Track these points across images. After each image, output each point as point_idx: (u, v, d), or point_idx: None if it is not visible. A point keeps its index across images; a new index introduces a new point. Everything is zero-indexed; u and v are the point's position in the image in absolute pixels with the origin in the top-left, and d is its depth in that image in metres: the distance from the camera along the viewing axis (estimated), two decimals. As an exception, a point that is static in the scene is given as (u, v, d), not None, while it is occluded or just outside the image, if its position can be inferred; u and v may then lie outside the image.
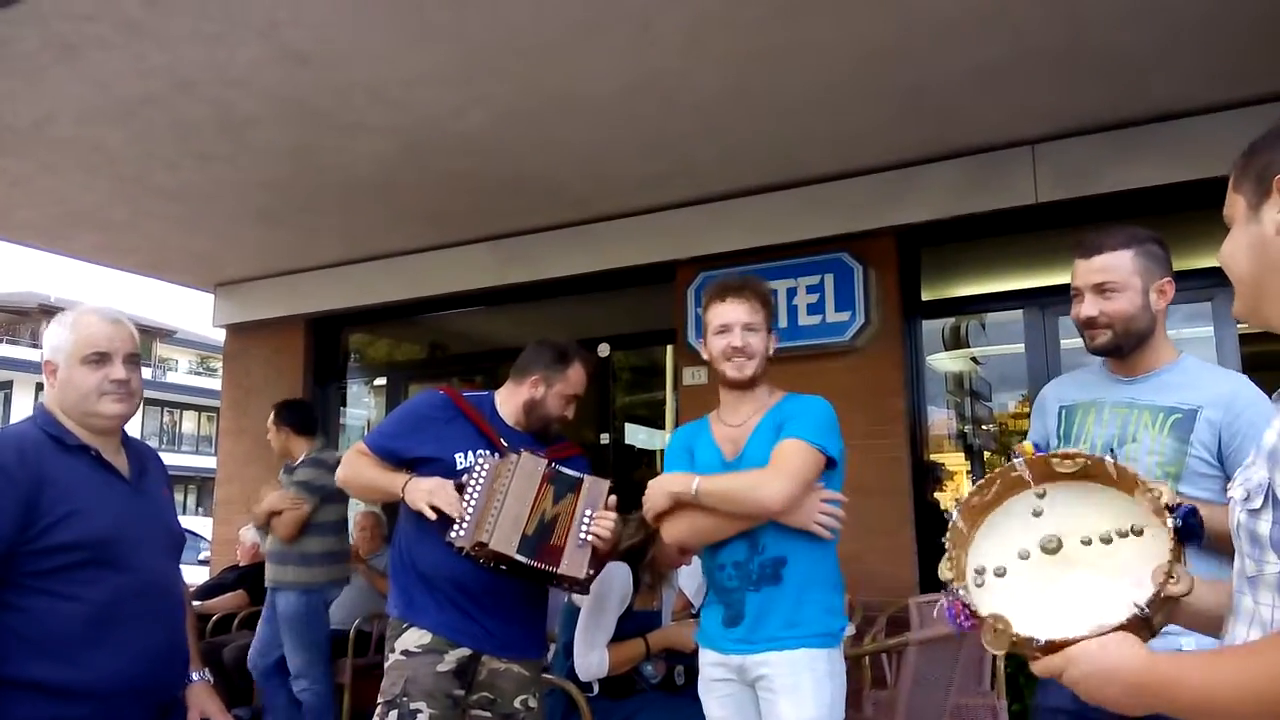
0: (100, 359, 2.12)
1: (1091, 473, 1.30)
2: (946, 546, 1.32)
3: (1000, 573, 1.28)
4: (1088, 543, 1.26)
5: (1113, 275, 2.15)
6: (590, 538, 2.60)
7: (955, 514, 1.34)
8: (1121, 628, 1.13)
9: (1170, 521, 1.18)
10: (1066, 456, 1.31)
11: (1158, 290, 2.15)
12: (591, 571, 2.64)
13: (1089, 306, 2.17)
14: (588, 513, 2.63)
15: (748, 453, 2.36)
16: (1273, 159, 1.16)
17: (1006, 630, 1.18)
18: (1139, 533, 1.23)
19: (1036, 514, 1.32)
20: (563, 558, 2.58)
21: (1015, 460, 1.34)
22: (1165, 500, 1.20)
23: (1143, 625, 1.15)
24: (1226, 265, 1.23)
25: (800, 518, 2.27)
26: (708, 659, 2.39)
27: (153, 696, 2.09)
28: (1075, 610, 1.18)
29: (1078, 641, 1.14)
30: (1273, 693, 0.96)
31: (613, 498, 2.68)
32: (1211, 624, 1.23)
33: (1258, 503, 1.06)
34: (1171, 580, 1.15)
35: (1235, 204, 1.22)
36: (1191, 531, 1.23)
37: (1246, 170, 1.20)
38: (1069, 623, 1.16)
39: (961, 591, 1.26)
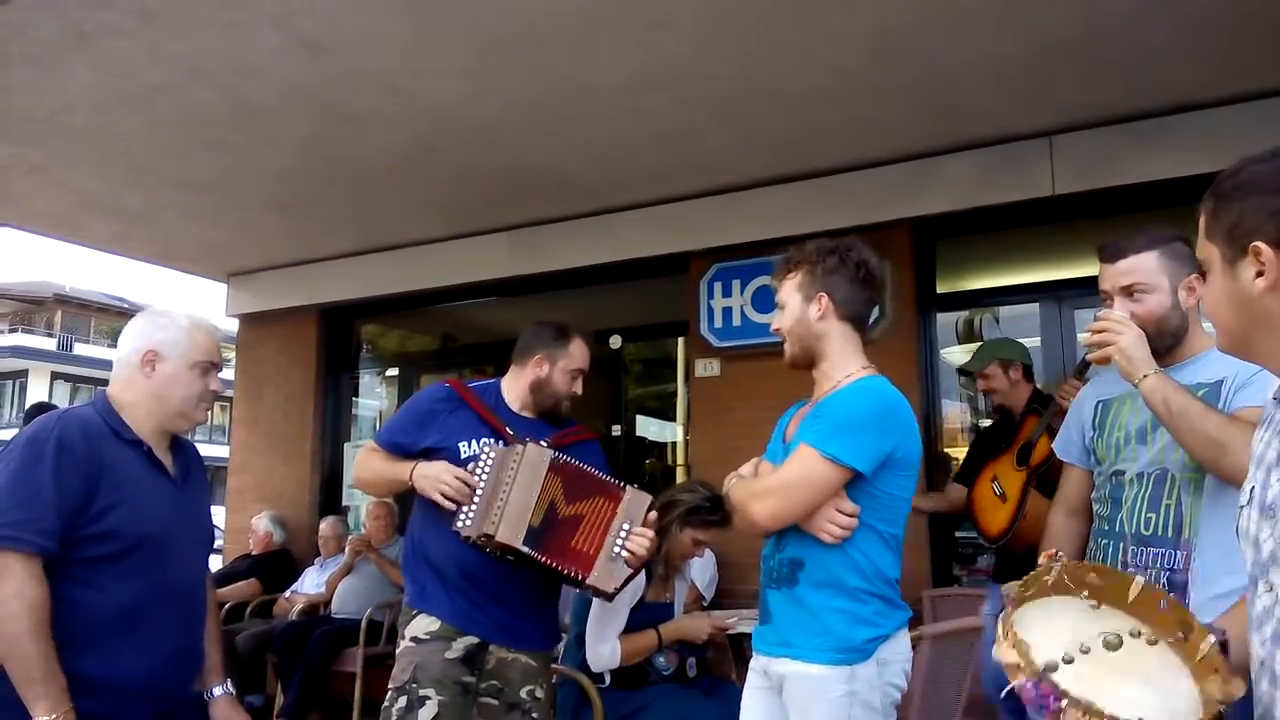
0: (209, 369, 2.21)
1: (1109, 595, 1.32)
2: (1004, 632, 1.33)
3: (1069, 660, 1.29)
4: (1136, 635, 1.28)
5: (1140, 277, 2.14)
6: (624, 554, 2.57)
7: (1011, 596, 1.37)
8: None
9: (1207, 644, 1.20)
10: (1095, 570, 1.35)
11: (1186, 288, 2.13)
12: (620, 586, 2.61)
13: (1119, 310, 2.15)
14: (625, 526, 2.59)
15: (794, 441, 2.17)
16: (1244, 215, 1.16)
17: (1100, 714, 1.18)
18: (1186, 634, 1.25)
19: (1095, 605, 1.34)
20: (594, 567, 2.55)
21: (1053, 565, 1.37)
22: (1207, 642, 1.22)
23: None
24: (1211, 315, 1.24)
25: (808, 523, 2.07)
26: (753, 654, 2.26)
27: (163, 699, 2.09)
28: (1139, 701, 1.19)
29: None
30: None
31: (652, 515, 2.64)
32: None
33: None
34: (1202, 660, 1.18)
35: (1208, 251, 1.22)
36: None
37: (1218, 219, 1.20)
38: (1146, 699, 1.19)
39: (1051, 675, 1.25)
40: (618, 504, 2.61)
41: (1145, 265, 2.14)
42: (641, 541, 2.58)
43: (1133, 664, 1.26)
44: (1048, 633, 1.30)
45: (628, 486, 2.65)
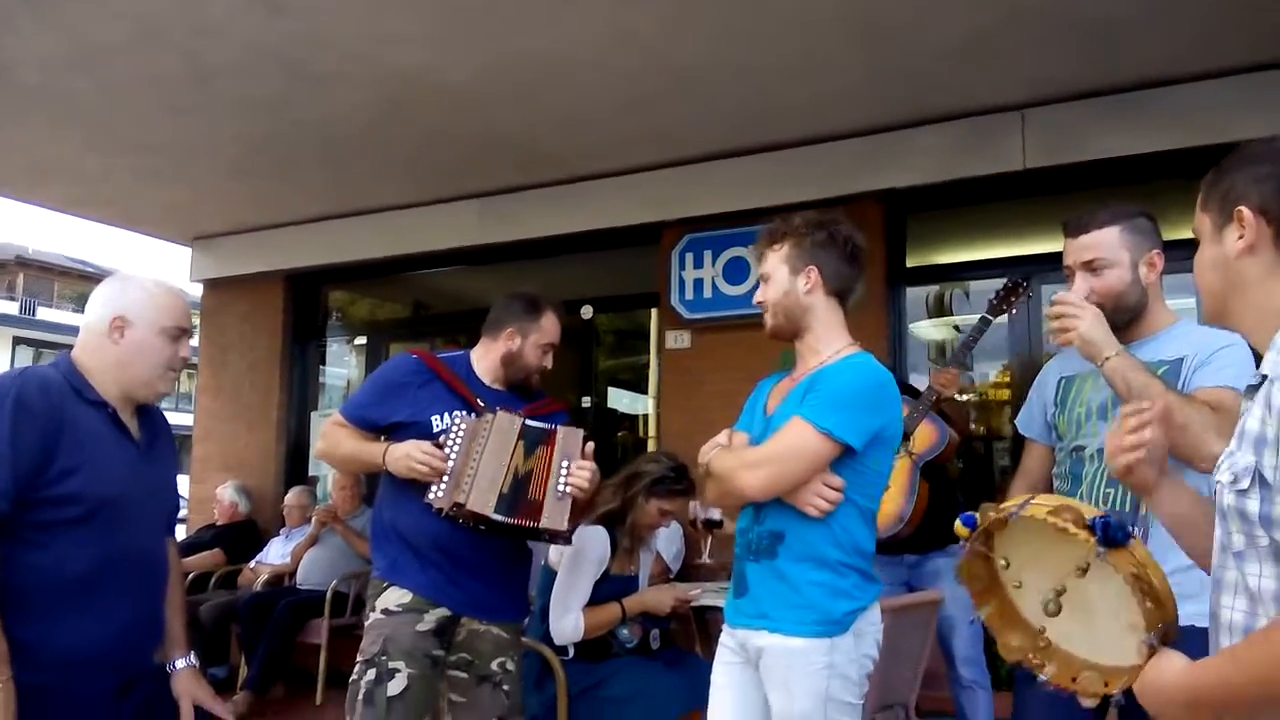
0: (178, 335, 2.14)
1: (1008, 522, 1.38)
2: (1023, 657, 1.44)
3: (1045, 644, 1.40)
4: (1062, 592, 1.35)
5: (1101, 252, 2.16)
6: (569, 489, 2.58)
7: (978, 611, 1.47)
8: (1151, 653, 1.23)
9: (1097, 550, 1.26)
10: (985, 513, 1.41)
11: (1147, 263, 2.15)
12: (573, 523, 2.62)
13: (1080, 284, 2.17)
14: (564, 464, 2.61)
15: (777, 415, 2.17)
16: (1235, 184, 1.28)
17: (1096, 676, 1.31)
18: (1083, 568, 1.31)
19: (1018, 585, 1.42)
20: (543, 512, 2.56)
21: (966, 545, 1.45)
22: (1077, 519, 1.28)
23: (1166, 638, 1.23)
24: (1198, 281, 1.35)
25: (794, 496, 2.07)
26: (725, 627, 2.26)
27: (120, 671, 2.04)
28: (1118, 625, 1.28)
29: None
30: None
31: (589, 445, 2.65)
32: (1189, 524, 1.40)
33: (1245, 484, 1.15)
34: (1146, 588, 1.23)
35: (1202, 221, 1.33)
36: (1118, 535, 1.26)
37: (1213, 191, 1.32)
38: (1124, 640, 1.27)
39: (1044, 676, 1.39)
40: (553, 445, 2.63)
41: (1106, 240, 2.16)
42: (581, 474, 2.60)
43: (1079, 605, 1.34)
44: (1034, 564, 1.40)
45: (559, 427, 2.67)
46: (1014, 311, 3.46)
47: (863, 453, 2.07)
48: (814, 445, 2.03)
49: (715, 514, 3.80)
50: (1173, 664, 1.19)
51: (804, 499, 2.05)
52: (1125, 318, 2.15)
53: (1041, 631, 1.41)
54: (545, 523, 2.56)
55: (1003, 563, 1.42)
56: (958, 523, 1.44)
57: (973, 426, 4.60)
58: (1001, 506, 1.38)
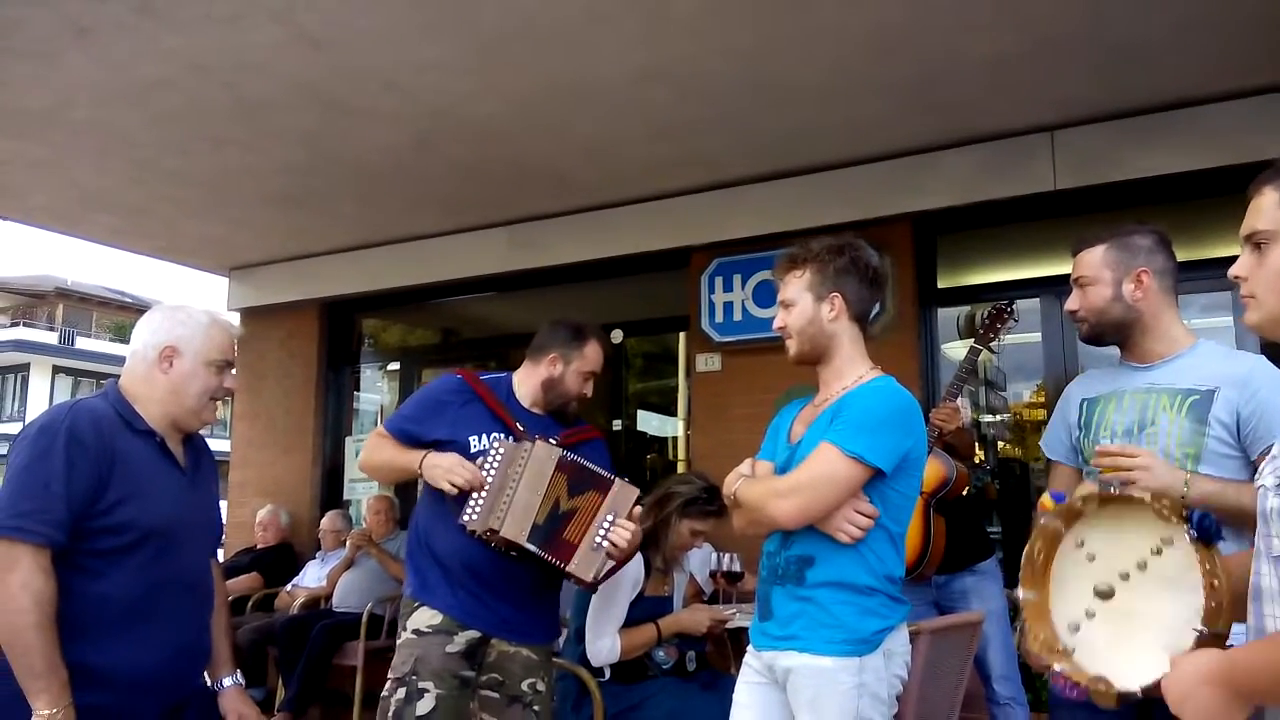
0: (224, 367, 2.23)
1: (1109, 500, 1.44)
2: (1023, 621, 1.47)
3: (1075, 628, 1.43)
4: (1126, 577, 1.38)
5: (1085, 270, 2.24)
6: (606, 544, 2.59)
7: (1020, 590, 1.50)
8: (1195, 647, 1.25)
9: (1189, 531, 1.31)
10: (1084, 497, 1.46)
11: (1133, 280, 2.18)
12: (600, 576, 2.63)
13: (1070, 300, 2.29)
14: (609, 518, 2.62)
15: (804, 441, 2.17)
16: None
17: (1110, 690, 1.32)
18: (1168, 543, 1.34)
19: (1091, 558, 1.45)
20: (574, 556, 2.58)
21: (1043, 518, 1.49)
22: (1177, 507, 1.33)
23: (1213, 640, 1.25)
24: (1273, 285, 1.31)
25: (825, 523, 2.07)
26: (749, 649, 2.26)
27: (170, 692, 2.09)
28: (1155, 641, 1.30)
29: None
30: None
31: (637, 509, 2.67)
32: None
33: None
34: (1215, 586, 1.26)
35: None
36: (1210, 532, 1.29)
37: None
38: (1154, 656, 1.28)
39: (1060, 667, 1.41)
40: (605, 495, 2.64)
41: (1091, 259, 2.24)
42: (623, 533, 2.60)
43: (1141, 591, 1.37)
44: (1069, 598, 1.45)
45: (617, 480, 2.67)
46: (1003, 339, 3.47)
47: (891, 477, 2.08)
48: (844, 470, 2.04)
49: (736, 566, 3.80)
50: (1208, 651, 1.20)
51: (836, 525, 2.06)
52: (1109, 332, 2.23)
53: (1071, 634, 1.44)
54: (573, 568, 2.58)
55: (1078, 542, 1.46)
56: (1046, 497, 1.53)
57: (980, 453, 4.56)
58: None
